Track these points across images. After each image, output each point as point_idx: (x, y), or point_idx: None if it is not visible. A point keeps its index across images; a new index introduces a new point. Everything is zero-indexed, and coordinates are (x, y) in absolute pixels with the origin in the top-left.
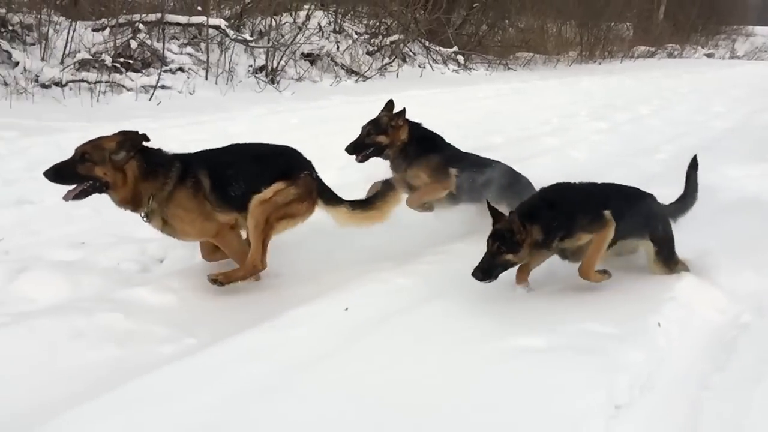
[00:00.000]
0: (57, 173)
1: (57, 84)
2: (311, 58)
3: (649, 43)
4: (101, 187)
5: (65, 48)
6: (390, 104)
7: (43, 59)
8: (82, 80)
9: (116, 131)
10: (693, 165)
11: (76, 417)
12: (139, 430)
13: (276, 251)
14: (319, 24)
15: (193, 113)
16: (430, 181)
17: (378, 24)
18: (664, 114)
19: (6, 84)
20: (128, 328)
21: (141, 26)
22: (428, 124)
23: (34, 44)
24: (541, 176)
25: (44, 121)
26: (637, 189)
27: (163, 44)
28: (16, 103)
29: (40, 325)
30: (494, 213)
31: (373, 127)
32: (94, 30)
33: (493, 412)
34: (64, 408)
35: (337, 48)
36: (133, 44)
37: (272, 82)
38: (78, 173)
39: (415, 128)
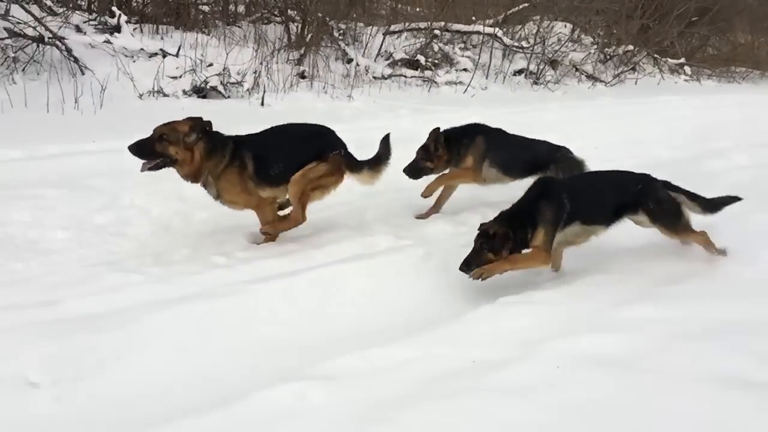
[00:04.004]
0: (139, 148)
1: (383, 77)
2: (554, 64)
3: None
4: (171, 162)
5: (379, 48)
6: (433, 132)
7: (363, 57)
8: (402, 75)
9: (186, 118)
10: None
11: None
12: None
13: None
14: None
15: (502, 105)
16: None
17: (609, 34)
18: None
19: (347, 75)
20: None
21: (437, 32)
22: (709, 121)
23: (348, 45)
24: None
25: (414, 104)
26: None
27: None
28: (375, 89)
29: None
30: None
31: (424, 153)
32: (384, 34)
33: None
34: None
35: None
36: (435, 47)
37: (535, 83)
38: (155, 150)
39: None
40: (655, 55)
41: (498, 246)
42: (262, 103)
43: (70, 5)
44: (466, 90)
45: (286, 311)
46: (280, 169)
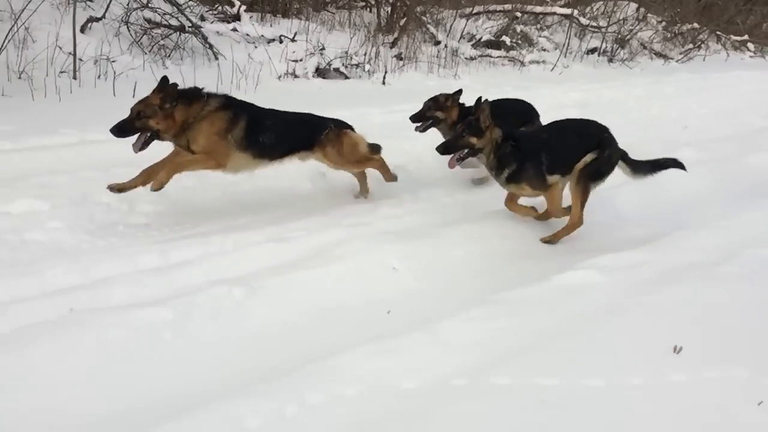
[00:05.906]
0: (120, 129)
1: (472, 58)
2: (622, 42)
3: None
4: (156, 134)
5: (462, 31)
6: (439, 96)
7: (449, 39)
8: (488, 55)
9: (155, 88)
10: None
11: None
12: None
13: None
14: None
15: (588, 81)
16: None
17: (674, 13)
18: None
19: (437, 56)
20: None
21: (518, 14)
22: None
23: (435, 28)
24: None
25: (512, 82)
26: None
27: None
28: (472, 69)
29: None
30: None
31: (434, 103)
32: (460, 17)
33: None
34: None
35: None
36: (517, 29)
37: (610, 61)
38: (136, 127)
39: (465, 109)
40: (718, 32)
41: (479, 130)
42: (384, 82)
43: None
44: (553, 68)
45: (514, 235)
46: (271, 141)
